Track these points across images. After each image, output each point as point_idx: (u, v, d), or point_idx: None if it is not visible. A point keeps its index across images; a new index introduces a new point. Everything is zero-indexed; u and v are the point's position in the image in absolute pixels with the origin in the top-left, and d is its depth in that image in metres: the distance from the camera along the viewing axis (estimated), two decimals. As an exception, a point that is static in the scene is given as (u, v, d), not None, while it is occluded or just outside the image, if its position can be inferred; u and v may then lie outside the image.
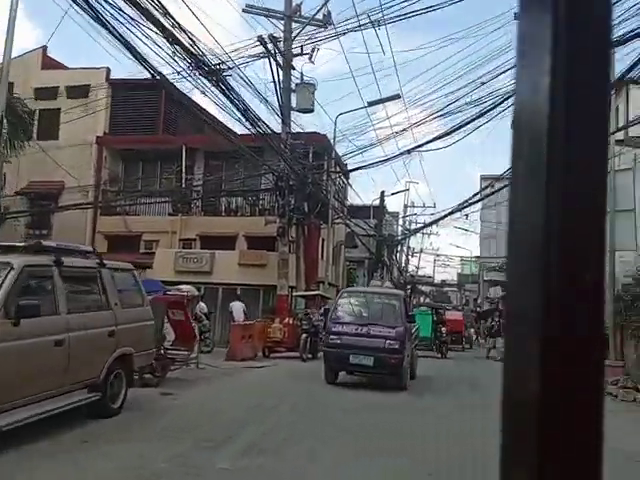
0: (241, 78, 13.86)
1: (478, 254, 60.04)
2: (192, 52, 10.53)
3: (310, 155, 23.41)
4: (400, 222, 60.19)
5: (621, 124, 26.73)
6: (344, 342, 11.97)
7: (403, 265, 63.53)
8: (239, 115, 13.93)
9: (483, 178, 60.42)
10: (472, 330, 38.47)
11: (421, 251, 64.34)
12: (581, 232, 0.63)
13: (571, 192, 0.62)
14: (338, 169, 25.99)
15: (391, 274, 53.07)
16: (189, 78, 11.93)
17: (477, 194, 22.55)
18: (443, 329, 23.22)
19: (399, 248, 61.48)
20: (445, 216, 23.79)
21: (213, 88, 13.83)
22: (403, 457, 6.75)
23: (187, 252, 22.92)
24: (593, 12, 0.64)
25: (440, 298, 60.74)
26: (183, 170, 24.47)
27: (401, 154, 18.36)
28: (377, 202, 37.98)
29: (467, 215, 24.38)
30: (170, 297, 12.30)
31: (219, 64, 11.70)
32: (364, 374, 12.91)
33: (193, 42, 10.51)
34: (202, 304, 20.00)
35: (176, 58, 11.26)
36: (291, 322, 18.48)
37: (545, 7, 0.64)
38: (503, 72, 13.73)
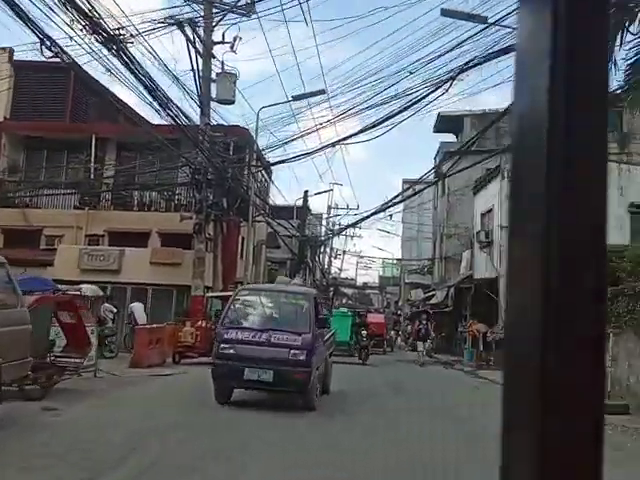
0: (149, 52, 12.46)
1: (399, 256, 60.44)
2: (90, 16, 9.19)
3: (231, 149, 22.17)
4: (324, 223, 59.99)
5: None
6: (238, 352, 9.71)
7: (326, 267, 63.27)
8: (146, 94, 12.59)
9: (405, 182, 61.19)
10: (392, 333, 38.30)
11: (344, 253, 64.21)
12: (581, 232, 0.63)
13: (571, 192, 0.62)
14: (259, 164, 24.85)
15: (313, 275, 52.45)
16: (88, 49, 10.54)
17: (398, 195, 21.96)
18: (364, 332, 21.90)
19: (322, 249, 61.15)
20: (368, 216, 23.25)
21: (122, 68, 12.59)
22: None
23: (93, 249, 21.11)
24: (592, 11, 0.65)
25: (362, 300, 60.76)
26: (92, 160, 22.62)
27: (325, 147, 17.49)
28: (301, 202, 37.34)
29: (391, 215, 23.94)
30: (59, 297, 10.79)
31: (119, 29, 10.34)
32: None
33: (92, 7, 9.18)
34: (108, 305, 18.39)
35: (75, 27, 9.87)
36: (205, 325, 17.19)
37: (545, 6, 0.64)
38: (431, 60, 13.07)
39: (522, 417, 0.65)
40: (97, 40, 9.67)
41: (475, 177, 29.05)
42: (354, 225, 26.87)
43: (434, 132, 36.44)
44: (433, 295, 30.21)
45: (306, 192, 35.48)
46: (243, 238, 23.90)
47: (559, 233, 0.61)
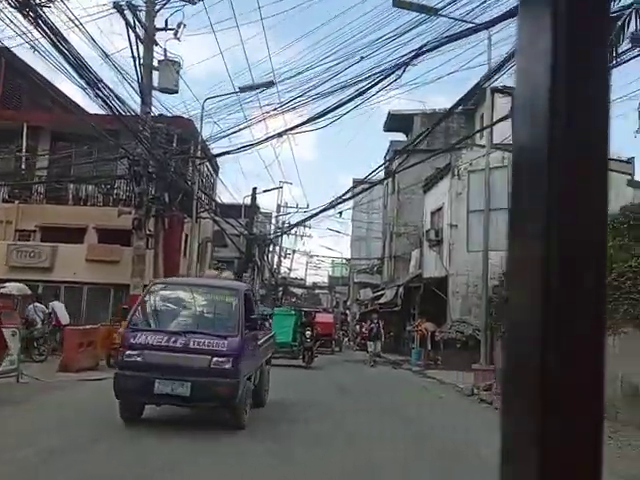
0: (71, 20, 11.32)
1: (349, 256, 60.21)
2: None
3: (174, 140, 21.13)
4: (273, 222, 59.12)
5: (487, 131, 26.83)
6: (147, 360, 7.92)
7: (275, 266, 62.44)
8: (72, 72, 11.52)
9: (355, 181, 61.03)
10: (341, 333, 37.85)
11: (294, 252, 63.58)
12: (581, 232, 0.63)
13: (571, 192, 0.62)
14: (204, 156, 23.86)
15: (262, 275, 51.52)
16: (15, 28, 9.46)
17: (348, 191, 21.36)
18: (308, 333, 19.80)
19: (271, 248, 60.28)
20: (317, 213, 22.60)
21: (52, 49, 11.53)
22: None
23: (23, 245, 19.74)
24: (592, 11, 0.65)
25: (311, 300, 60.24)
26: (24, 150, 21.17)
27: (271, 137, 16.71)
28: (250, 201, 36.43)
29: (341, 213, 23.30)
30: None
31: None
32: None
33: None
34: (40, 305, 17.12)
35: None
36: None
37: (545, 6, 0.64)
38: (383, 45, 12.51)
39: (522, 417, 0.64)
40: (10, 4, 8.63)
41: (425, 176, 28.88)
42: (303, 222, 26.24)
43: (384, 131, 36.21)
44: (382, 294, 29.86)
45: (254, 189, 34.61)
46: (187, 235, 22.90)
47: (559, 233, 0.62)
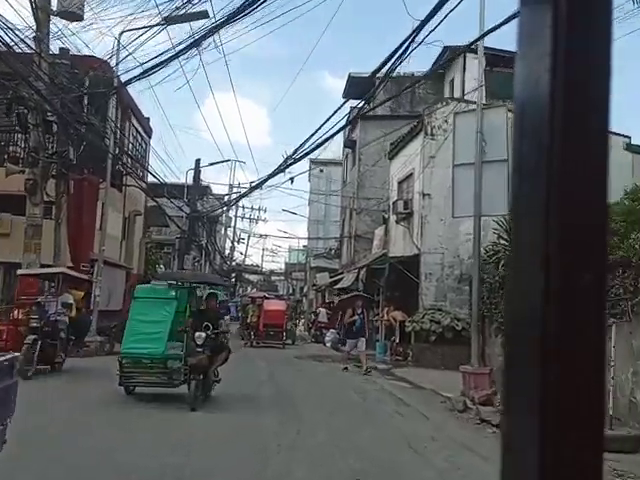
0: None
1: (306, 241, 56.34)
2: None
3: (86, 85, 16.73)
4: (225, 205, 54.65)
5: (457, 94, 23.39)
6: None
7: (228, 252, 58.12)
8: None
9: (313, 162, 57.03)
10: (295, 322, 33.96)
11: (249, 237, 59.40)
12: (581, 231, 0.62)
13: (570, 194, 0.62)
14: (123, 111, 19.47)
15: (210, 258, 47.11)
16: None
17: (299, 150, 17.27)
18: (201, 335, 9.04)
19: (222, 231, 55.86)
20: (266, 179, 18.52)
21: None
22: None
23: None
24: (592, 11, 0.63)
25: (268, 288, 56.22)
26: None
27: (188, 48, 12.36)
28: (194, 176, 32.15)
29: (292, 179, 18.99)
30: None
31: None
32: None
33: None
34: None
35: None
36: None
37: (545, 6, 0.63)
38: None
39: (522, 417, 0.64)
40: None
41: (386, 145, 25.17)
42: (253, 190, 22.04)
43: (343, 97, 32.17)
44: (341, 279, 26.07)
45: (198, 161, 30.32)
46: (104, 204, 18.58)
47: (559, 233, 0.61)
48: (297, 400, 9.81)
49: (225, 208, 31.43)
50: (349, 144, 28.79)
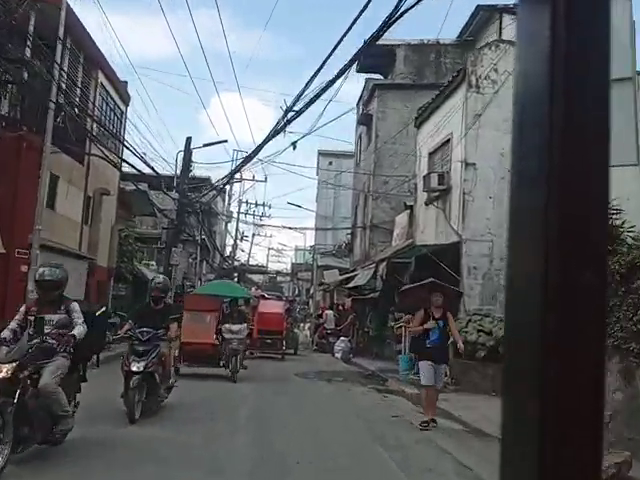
0: None
1: (313, 238, 52.07)
2: None
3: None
4: (228, 200, 50.49)
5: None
6: None
7: (230, 250, 53.96)
8: None
9: (321, 153, 52.80)
10: (300, 326, 29.66)
11: (253, 235, 55.24)
12: (581, 229, 0.61)
13: (570, 199, 0.61)
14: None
15: (211, 256, 42.93)
16: None
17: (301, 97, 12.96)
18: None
19: (222, 226, 51.68)
20: (266, 141, 14.13)
21: None
22: None
23: None
24: (592, 10, 0.63)
25: (273, 289, 52.04)
26: None
27: None
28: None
29: (294, 143, 14.63)
30: None
31: None
32: None
33: None
34: None
35: None
36: None
37: (545, 5, 0.63)
38: None
39: (522, 417, 0.63)
40: None
41: (411, 119, 20.89)
42: (249, 160, 17.62)
43: (357, 71, 27.84)
44: (353, 276, 21.74)
45: (189, 139, 26.05)
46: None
47: (559, 231, 0.61)
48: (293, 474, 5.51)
49: (219, 192, 26.85)
50: (364, 120, 24.49)
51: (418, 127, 17.26)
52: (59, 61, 12.55)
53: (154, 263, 31.86)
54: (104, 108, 17.96)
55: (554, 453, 0.59)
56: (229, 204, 49.91)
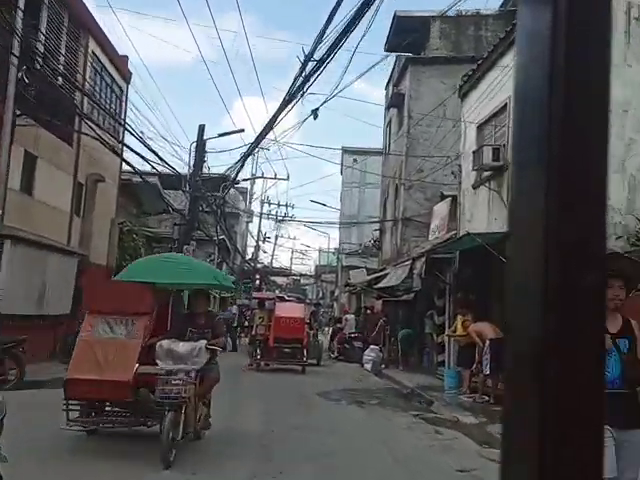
0: None
1: (337, 239, 49.39)
2: None
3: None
4: (250, 201, 48.14)
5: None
6: None
7: (252, 251, 51.56)
8: None
9: (345, 151, 50.07)
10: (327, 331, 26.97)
11: (277, 237, 52.81)
12: (581, 232, 0.61)
13: (570, 189, 0.61)
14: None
15: (231, 257, 40.49)
16: None
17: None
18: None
19: (243, 226, 49.27)
20: (282, 107, 11.42)
21: None
22: None
23: None
24: (592, 10, 0.62)
25: (296, 291, 49.57)
26: None
27: None
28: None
29: (316, 111, 11.93)
30: None
31: None
32: None
33: None
34: None
35: None
36: None
37: (545, 5, 0.62)
38: None
39: (523, 417, 0.62)
40: None
41: (446, 98, 18.13)
42: (264, 135, 14.93)
43: (387, 50, 25.08)
44: (383, 276, 18.97)
45: (202, 127, 23.60)
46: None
47: (559, 232, 0.60)
48: None
49: (232, 182, 24.24)
50: (395, 101, 21.73)
51: (463, 97, 14.46)
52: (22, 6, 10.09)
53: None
54: (99, 83, 15.57)
55: (554, 453, 0.58)
56: (250, 203, 47.60)
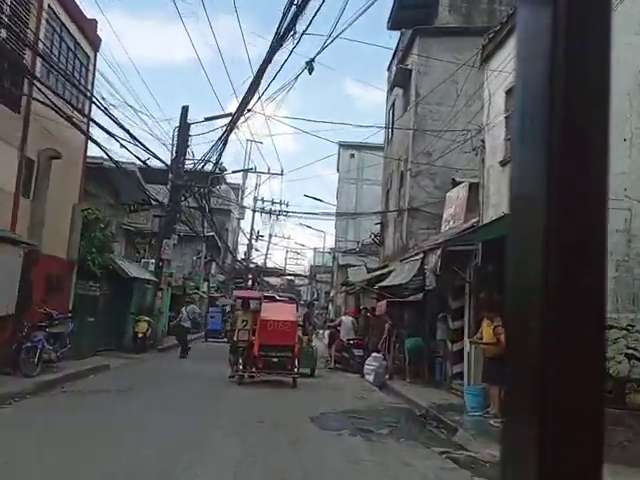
0: None
1: (332, 242, 47.03)
2: None
3: None
4: (242, 196, 45.74)
5: None
6: None
7: (245, 250, 49.16)
8: None
9: (342, 145, 47.69)
10: (326, 333, 24.56)
11: (270, 236, 50.42)
12: (581, 230, 0.61)
13: (570, 203, 0.60)
14: None
15: (221, 255, 38.02)
16: None
17: None
18: None
19: (234, 223, 46.85)
20: (271, 54, 9.09)
21: None
22: None
23: None
24: (592, 9, 0.61)
25: (290, 292, 47.19)
26: None
27: None
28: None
29: (310, 63, 9.67)
30: None
31: None
32: None
33: None
34: None
35: None
36: None
37: (545, 5, 0.62)
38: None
39: (523, 417, 0.62)
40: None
41: (453, 73, 15.88)
42: (252, 92, 12.50)
43: (390, 28, 22.71)
44: (387, 273, 16.57)
45: (185, 108, 21.20)
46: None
47: (558, 230, 0.60)
48: None
49: (217, 162, 21.69)
50: (400, 79, 19.36)
51: (485, 60, 12.11)
52: None
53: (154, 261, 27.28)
54: (57, 45, 13.16)
55: (554, 453, 0.58)
56: (242, 199, 45.18)
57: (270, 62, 9.14)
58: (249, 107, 13.15)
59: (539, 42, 0.61)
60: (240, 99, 13.50)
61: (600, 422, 0.60)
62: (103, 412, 8.60)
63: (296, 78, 9.72)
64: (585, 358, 0.59)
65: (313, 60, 8.91)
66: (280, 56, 8.97)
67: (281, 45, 8.30)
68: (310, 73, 8.99)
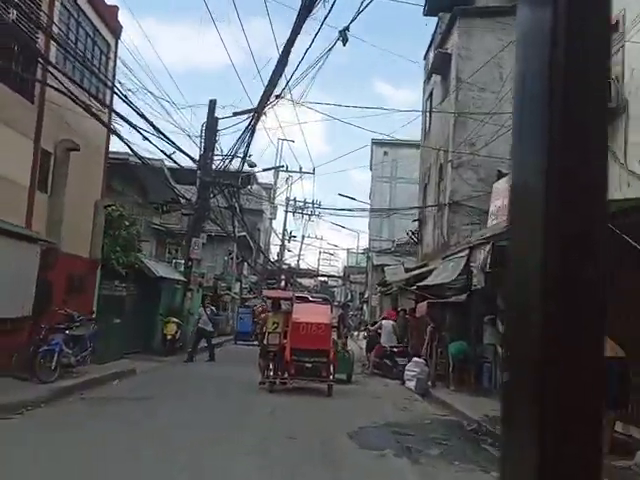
0: None
1: (367, 237, 45.84)
2: None
3: None
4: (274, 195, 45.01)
5: None
6: None
7: (277, 251, 48.40)
8: None
9: (375, 143, 46.45)
10: (361, 335, 23.48)
11: (303, 237, 49.55)
12: (581, 222, 0.60)
13: (570, 200, 0.60)
14: None
15: (246, 251, 37.20)
16: None
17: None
18: None
19: (266, 223, 46.14)
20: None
21: None
22: None
23: None
24: (592, 9, 0.61)
25: (324, 293, 46.21)
26: None
27: None
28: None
29: (345, 33, 8.79)
30: None
31: None
32: None
33: None
34: None
35: None
36: None
37: (545, 3, 0.62)
38: None
39: (523, 416, 0.61)
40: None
41: (499, 55, 14.69)
42: (278, 75, 11.52)
43: (426, 14, 21.52)
44: (428, 272, 15.41)
45: (213, 102, 20.41)
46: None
47: (558, 231, 0.59)
48: None
49: (245, 155, 20.72)
50: (439, 65, 18.16)
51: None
52: None
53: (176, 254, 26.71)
54: (74, 30, 12.44)
55: (555, 451, 0.58)
56: (274, 198, 44.40)
57: (299, 33, 8.15)
58: (277, 93, 12.13)
59: (539, 42, 0.60)
60: (267, 82, 12.52)
61: (600, 420, 0.59)
62: (120, 423, 7.74)
63: (329, 50, 8.69)
64: (585, 358, 0.57)
65: (347, 29, 7.88)
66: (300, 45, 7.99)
67: (310, 11, 7.29)
68: (344, 44, 7.97)
